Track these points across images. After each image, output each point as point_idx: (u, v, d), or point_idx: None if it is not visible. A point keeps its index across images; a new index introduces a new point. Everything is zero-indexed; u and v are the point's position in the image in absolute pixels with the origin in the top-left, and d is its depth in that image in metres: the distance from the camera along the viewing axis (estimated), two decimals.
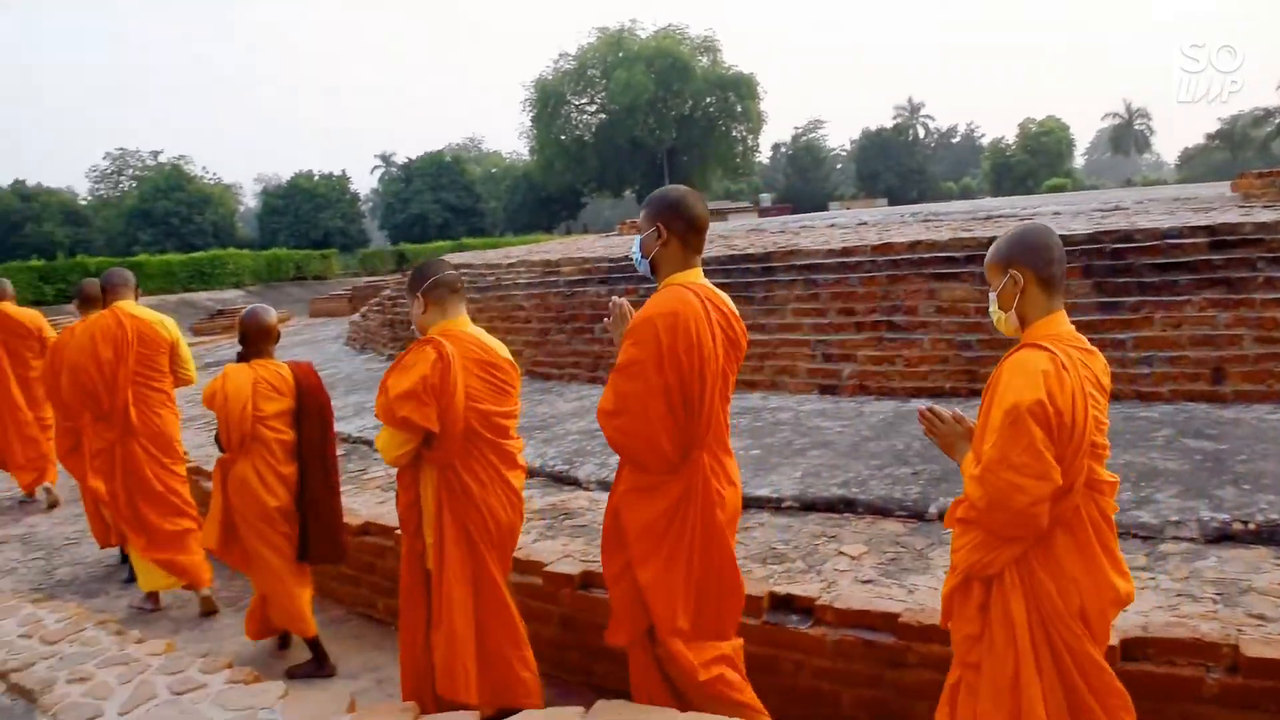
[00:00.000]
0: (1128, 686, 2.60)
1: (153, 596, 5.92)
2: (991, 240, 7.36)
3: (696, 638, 3.25)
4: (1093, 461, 2.56)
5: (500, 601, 3.83)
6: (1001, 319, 2.79)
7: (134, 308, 6.08)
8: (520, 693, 3.80)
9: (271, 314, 5.09)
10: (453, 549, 3.75)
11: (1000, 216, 10.12)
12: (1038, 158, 74.73)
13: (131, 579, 6.15)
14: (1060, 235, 6.92)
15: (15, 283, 27.12)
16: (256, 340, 4.99)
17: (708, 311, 3.21)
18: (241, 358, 5.00)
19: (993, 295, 2.80)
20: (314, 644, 4.91)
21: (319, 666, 4.86)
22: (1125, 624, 3.33)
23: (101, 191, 78.66)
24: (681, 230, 3.31)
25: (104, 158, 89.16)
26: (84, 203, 73.59)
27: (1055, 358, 2.52)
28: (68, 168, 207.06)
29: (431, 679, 3.79)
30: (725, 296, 3.41)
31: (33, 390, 8.31)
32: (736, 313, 3.40)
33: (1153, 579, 3.86)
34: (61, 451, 6.92)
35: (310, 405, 4.98)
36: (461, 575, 3.75)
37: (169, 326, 6.20)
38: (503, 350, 3.97)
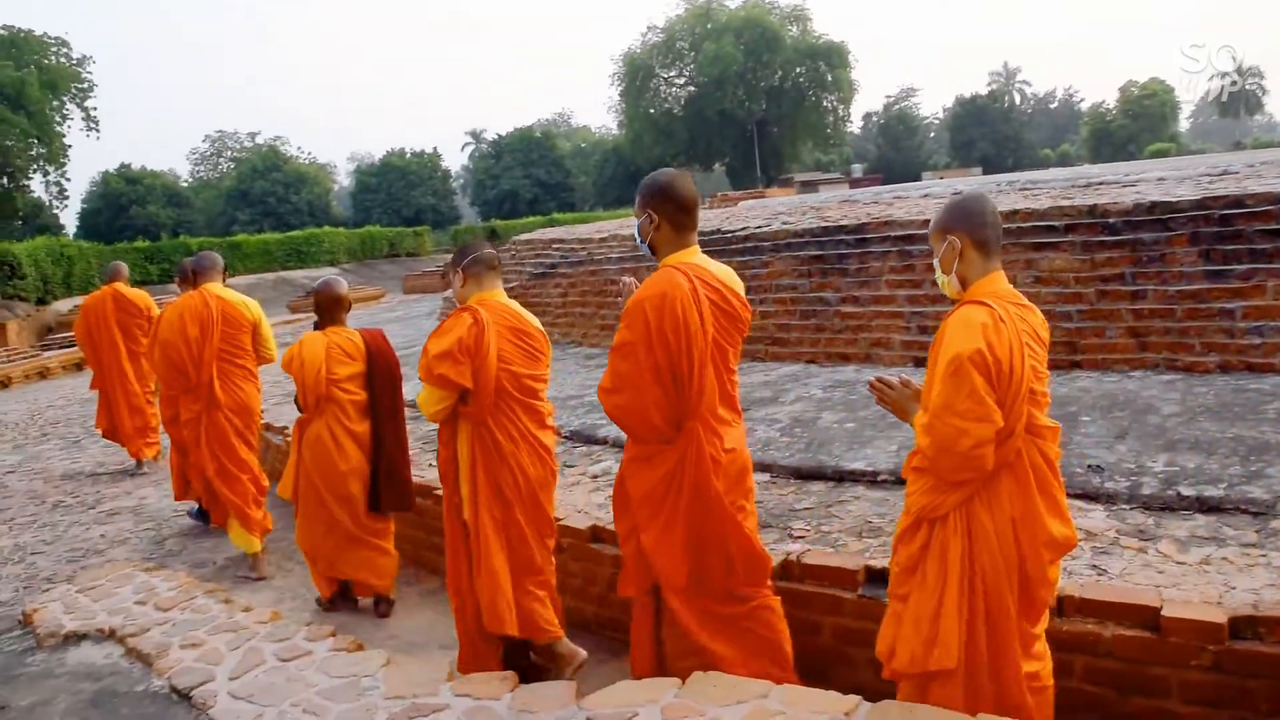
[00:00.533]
0: (1238, 665, 2.56)
1: (256, 562, 6.17)
2: (1093, 208, 7.15)
3: (700, 596, 3.45)
4: (1032, 408, 2.78)
5: (526, 550, 4.09)
6: (944, 282, 2.97)
7: (220, 290, 6.51)
8: (540, 623, 4.07)
9: (342, 285, 5.48)
10: (485, 501, 4.01)
11: (1101, 184, 9.82)
12: (1140, 122, 72.18)
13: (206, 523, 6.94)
14: (1166, 201, 6.70)
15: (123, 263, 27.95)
16: (329, 309, 5.37)
17: (696, 290, 3.35)
18: (317, 326, 5.39)
19: (936, 261, 2.98)
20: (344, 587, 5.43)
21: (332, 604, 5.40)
22: (1235, 601, 3.27)
23: (201, 173, 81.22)
24: (671, 213, 3.48)
25: (203, 140, 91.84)
26: (185, 184, 75.97)
27: (993, 311, 2.70)
28: (170, 151, 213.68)
29: (479, 618, 4.07)
30: (723, 272, 3.57)
31: (142, 365, 9.03)
32: (734, 286, 3.55)
33: (1263, 555, 3.75)
34: (164, 420, 7.33)
35: (380, 368, 5.35)
36: (494, 525, 4.01)
37: (251, 308, 6.61)
38: (534, 321, 4.24)
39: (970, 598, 2.73)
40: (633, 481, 3.49)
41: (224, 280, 6.74)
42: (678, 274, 3.37)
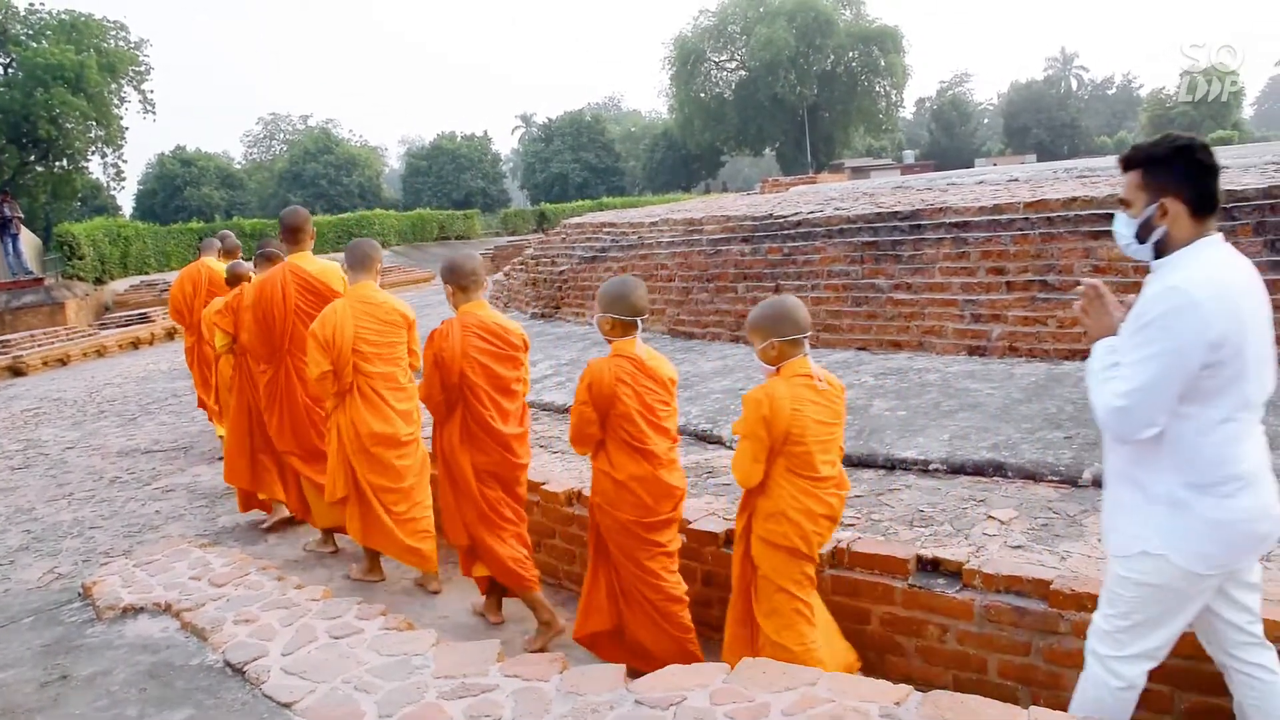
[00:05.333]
0: None
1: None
2: None
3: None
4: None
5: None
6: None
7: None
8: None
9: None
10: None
11: None
12: (1201, 109, 70.49)
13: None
14: (1229, 190, 6.54)
15: (176, 244, 28.31)
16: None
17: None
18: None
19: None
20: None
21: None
22: None
23: (255, 155, 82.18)
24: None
25: (256, 122, 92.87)
26: (238, 167, 76.98)
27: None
28: (224, 133, 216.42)
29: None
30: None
31: None
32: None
33: None
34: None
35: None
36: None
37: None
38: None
39: None
40: None
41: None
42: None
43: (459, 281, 4.85)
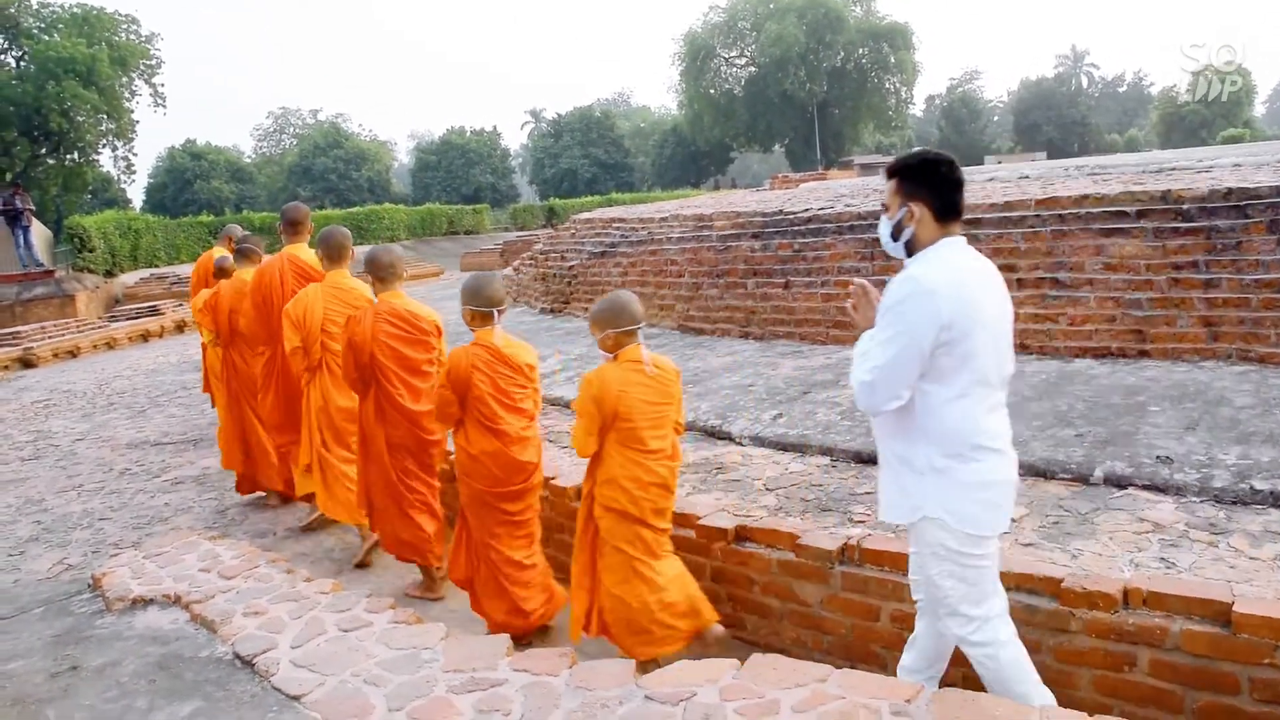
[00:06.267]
0: None
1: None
2: (1166, 194, 6.98)
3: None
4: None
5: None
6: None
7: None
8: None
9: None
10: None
11: (1174, 169, 9.57)
12: (1212, 107, 70.12)
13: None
14: (1243, 187, 6.52)
15: (186, 237, 28.48)
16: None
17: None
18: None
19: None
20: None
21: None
22: None
23: (265, 149, 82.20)
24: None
25: (266, 116, 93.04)
26: (248, 160, 77.03)
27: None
28: (234, 127, 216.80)
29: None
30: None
31: None
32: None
33: None
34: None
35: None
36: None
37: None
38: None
39: None
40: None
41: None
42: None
43: (376, 273, 5.33)
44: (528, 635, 4.69)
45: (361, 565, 5.87)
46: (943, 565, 3.05)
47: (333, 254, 5.95)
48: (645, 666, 3.64)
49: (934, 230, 3.02)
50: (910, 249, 3.06)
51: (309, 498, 6.29)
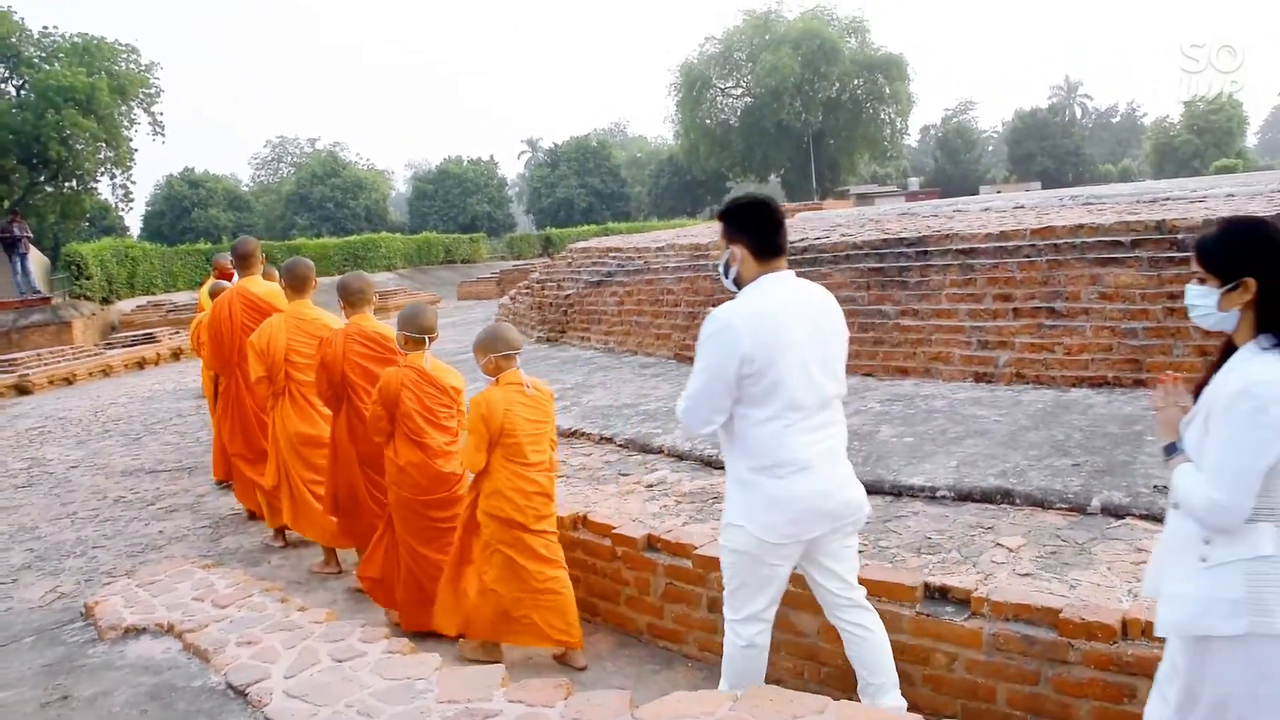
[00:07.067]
0: None
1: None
2: (1160, 223, 7.02)
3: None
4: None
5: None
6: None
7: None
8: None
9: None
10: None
11: (1168, 199, 9.63)
12: (1205, 137, 70.63)
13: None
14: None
15: (183, 265, 28.42)
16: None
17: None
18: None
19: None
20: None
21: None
22: None
23: (262, 178, 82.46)
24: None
25: (264, 145, 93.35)
26: (246, 189, 77.24)
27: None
28: (232, 156, 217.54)
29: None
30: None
31: None
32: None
33: None
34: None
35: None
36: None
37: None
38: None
39: None
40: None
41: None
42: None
43: (346, 298, 5.67)
44: (426, 629, 4.93)
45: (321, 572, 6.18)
46: (733, 560, 3.39)
47: (296, 284, 6.21)
48: (490, 651, 4.59)
49: (754, 268, 3.30)
50: (739, 284, 3.35)
51: (331, 550, 6.27)
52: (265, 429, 6.66)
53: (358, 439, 5.49)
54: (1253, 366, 2.40)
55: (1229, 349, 2.54)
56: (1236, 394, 2.37)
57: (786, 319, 3.21)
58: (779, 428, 3.22)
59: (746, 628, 3.41)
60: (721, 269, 3.44)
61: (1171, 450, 2.59)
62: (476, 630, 4.64)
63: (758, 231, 3.31)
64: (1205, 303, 2.53)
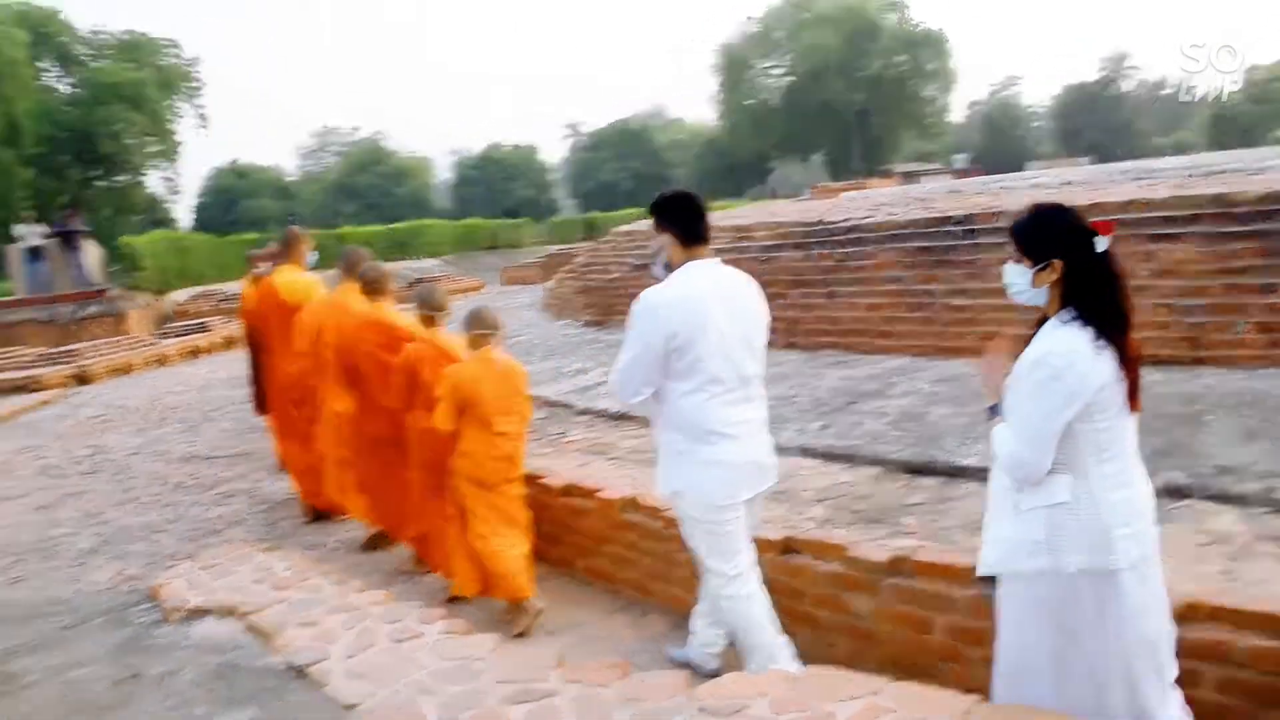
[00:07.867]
0: None
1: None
2: (1218, 197, 6.89)
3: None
4: None
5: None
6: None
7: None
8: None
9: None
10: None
11: (1225, 172, 9.44)
12: (1264, 107, 68.85)
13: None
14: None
15: (234, 255, 28.86)
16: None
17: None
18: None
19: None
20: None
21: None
22: None
23: (308, 168, 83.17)
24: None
25: (310, 135, 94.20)
26: (291, 179, 78.00)
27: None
28: (278, 147, 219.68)
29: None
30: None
31: None
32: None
33: None
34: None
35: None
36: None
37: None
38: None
39: None
40: None
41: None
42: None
43: (366, 288, 6.11)
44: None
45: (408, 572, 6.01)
46: (693, 529, 3.74)
47: (345, 269, 6.60)
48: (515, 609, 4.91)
49: (681, 254, 3.69)
50: (670, 269, 3.70)
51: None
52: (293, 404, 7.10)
53: (371, 416, 5.91)
54: (1052, 338, 2.69)
55: (1043, 321, 2.79)
56: (1034, 362, 2.67)
57: (708, 301, 3.57)
58: (702, 399, 3.58)
59: (745, 580, 3.75)
60: (652, 256, 3.83)
61: (994, 410, 2.88)
62: (498, 590, 4.99)
63: (683, 222, 3.69)
64: (1020, 281, 2.81)
